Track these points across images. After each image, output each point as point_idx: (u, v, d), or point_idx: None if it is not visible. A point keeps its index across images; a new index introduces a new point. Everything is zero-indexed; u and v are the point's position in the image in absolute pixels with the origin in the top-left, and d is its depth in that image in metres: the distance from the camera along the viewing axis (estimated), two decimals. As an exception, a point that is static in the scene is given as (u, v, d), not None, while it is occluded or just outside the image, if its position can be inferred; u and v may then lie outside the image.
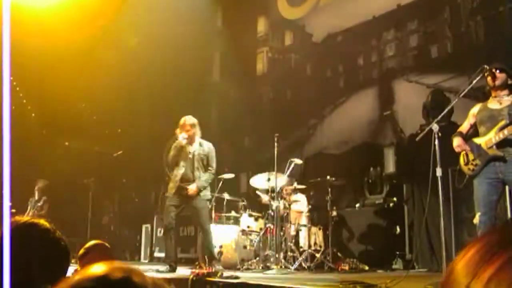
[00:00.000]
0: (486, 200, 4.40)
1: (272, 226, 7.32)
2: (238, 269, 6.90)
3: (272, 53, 11.55)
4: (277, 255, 6.74)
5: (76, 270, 2.25)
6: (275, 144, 6.96)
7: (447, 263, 4.23)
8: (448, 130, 4.76)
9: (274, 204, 7.31)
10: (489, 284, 0.55)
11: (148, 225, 10.87)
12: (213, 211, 8.04)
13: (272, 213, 7.38)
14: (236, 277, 5.25)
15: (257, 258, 7.20)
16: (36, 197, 10.03)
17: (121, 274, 0.74)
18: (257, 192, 8.04)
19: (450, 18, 8.17)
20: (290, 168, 7.42)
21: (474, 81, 4.40)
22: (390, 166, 8.25)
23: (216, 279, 5.19)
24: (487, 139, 4.42)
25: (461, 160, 4.62)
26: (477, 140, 4.53)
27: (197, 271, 5.46)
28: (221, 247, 7.64)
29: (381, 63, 9.21)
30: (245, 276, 5.53)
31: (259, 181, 7.63)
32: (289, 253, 7.08)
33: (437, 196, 4.45)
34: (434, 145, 4.38)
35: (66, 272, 1.61)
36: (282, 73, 11.15)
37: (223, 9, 12.39)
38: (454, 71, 7.68)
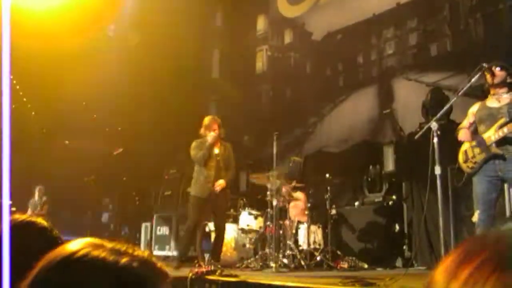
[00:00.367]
0: (485, 198, 4.41)
1: (271, 225, 7.33)
2: (238, 268, 6.91)
3: (271, 52, 11.55)
4: (276, 254, 6.74)
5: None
6: (274, 142, 6.96)
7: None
8: (447, 128, 4.77)
9: (274, 202, 7.32)
10: (467, 283, 0.57)
11: (148, 224, 10.87)
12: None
13: (271, 212, 7.39)
14: (235, 276, 5.26)
15: (256, 257, 7.20)
16: (36, 198, 10.05)
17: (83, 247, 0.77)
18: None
19: (449, 16, 8.18)
20: (290, 167, 7.43)
21: (473, 79, 4.40)
22: (390, 164, 8.25)
23: (215, 278, 5.20)
24: (486, 138, 4.43)
25: (460, 158, 4.63)
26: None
27: (196, 269, 5.47)
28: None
29: (380, 61, 9.22)
30: (244, 275, 5.54)
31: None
32: (288, 251, 7.09)
33: (436, 194, 4.45)
34: (433, 143, 4.38)
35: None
36: (282, 72, 11.16)
37: (223, 7, 12.39)
38: (454, 69, 7.68)
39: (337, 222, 7.88)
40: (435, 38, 8.34)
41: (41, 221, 1.56)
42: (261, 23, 11.86)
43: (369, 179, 8.40)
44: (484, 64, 4.41)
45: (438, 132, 4.38)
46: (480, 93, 4.78)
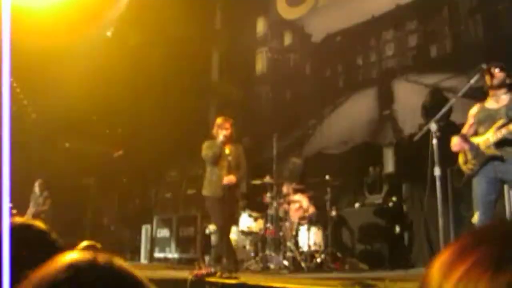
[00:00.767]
0: (484, 199, 4.41)
1: (271, 226, 7.33)
2: (238, 270, 6.90)
3: (271, 53, 11.56)
4: (276, 255, 6.74)
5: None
6: (274, 144, 6.96)
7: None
8: (447, 129, 4.77)
9: (273, 204, 7.33)
10: (459, 283, 0.57)
11: (148, 226, 10.87)
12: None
13: (271, 213, 7.39)
14: (236, 278, 5.25)
15: (257, 258, 7.20)
16: (37, 192, 10.04)
17: (88, 258, 0.76)
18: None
19: (449, 17, 8.18)
20: (290, 168, 7.43)
21: (472, 81, 4.40)
22: (390, 166, 8.26)
23: (216, 280, 5.20)
24: (485, 139, 4.43)
25: (460, 159, 4.63)
26: (475, 140, 4.54)
27: (196, 271, 5.46)
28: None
29: (380, 63, 9.22)
30: (244, 277, 5.54)
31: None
32: (288, 253, 7.08)
33: (436, 196, 4.45)
34: (432, 144, 4.38)
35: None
36: (282, 73, 11.16)
37: (222, 9, 12.40)
38: (453, 70, 7.68)
39: (337, 224, 7.89)
40: (435, 40, 8.34)
41: (39, 223, 1.56)
42: (261, 25, 11.87)
43: (369, 180, 8.41)
44: (483, 65, 4.41)
45: (437, 133, 4.38)
46: (480, 94, 4.78)
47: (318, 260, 7.07)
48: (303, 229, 7.50)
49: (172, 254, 9.98)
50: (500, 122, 4.35)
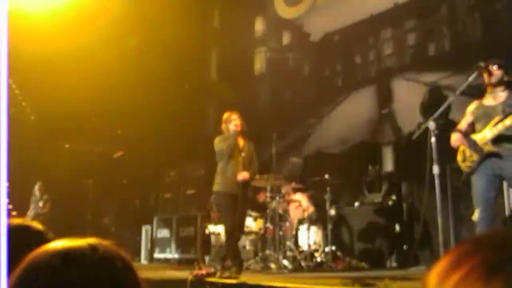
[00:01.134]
0: (484, 196, 4.41)
1: (271, 226, 7.33)
2: (241, 272, 6.90)
3: (270, 53, 11.56)
4: (276, 255, 6.74)
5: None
6: (273, 143, 6.95)
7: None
8: (446, 127, 4.77)
9: (273, 203, 7.33)
10: None
11: (148, 226, 10.88)
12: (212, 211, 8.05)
13: (271, 213, 7.39)
14: (236, 277, 5.26)
15: (257, 258, 7.20)
16: (37, 195, 10.04)
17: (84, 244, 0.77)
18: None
19: (447, 15, 8.19)
20: (289, 168, 7.43)
21: (470, 79, 4.41)
22: (389, 165, 8.27)
23: (216, 280, 5.20)
24: (482, 136, 4.44)
25: (459, 157, 4.64)
26: (473, 137, 4.55)
27: (196, 271, 5.46)
28: (220, 247, 7.65)
29: (379, 62, 9.22)
30: (244, 276, 5.54)
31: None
32: (288, 252, 7.09)
33: (435, 194, 4.46)
34: (431, 143, 4.39)
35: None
36: (280, 73, 11.17)
37: (221, 9, 12.41)
38: (452, 68, 7.68)
39: (337, 223, 7.89)
40: (433, 38, 8.35)
41: (36, 224, 1.57)
42: (259, 25, 11.87)
43: (369, 179, 8.41)
44: (481, 63, 4.42)
45: (436, 132, 4.38)
46: (478, 92, 4.78)
47: (318, 259, 7.08)
48: (303, 228, 7.51)
49: (172, 254, 9.99)
50: (496, 119, 4.36)
